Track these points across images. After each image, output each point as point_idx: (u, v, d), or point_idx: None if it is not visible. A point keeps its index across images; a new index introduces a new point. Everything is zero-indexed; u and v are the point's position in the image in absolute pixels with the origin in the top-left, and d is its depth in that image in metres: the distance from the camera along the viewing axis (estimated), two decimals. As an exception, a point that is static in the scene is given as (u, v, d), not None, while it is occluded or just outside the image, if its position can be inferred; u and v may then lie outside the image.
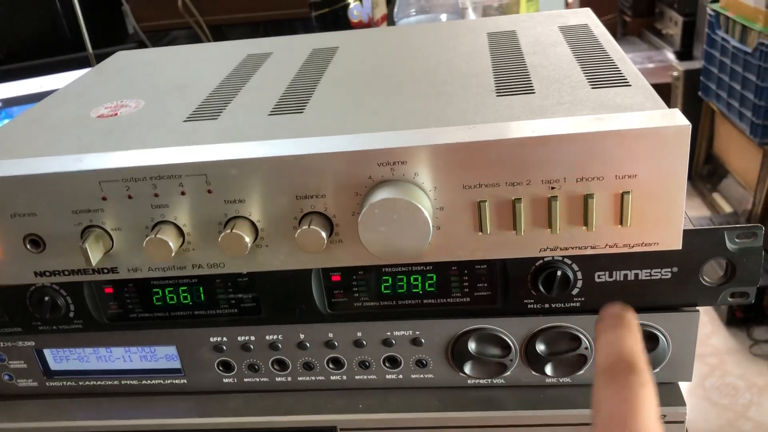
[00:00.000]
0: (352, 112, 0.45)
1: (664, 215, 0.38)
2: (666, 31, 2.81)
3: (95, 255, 0.40)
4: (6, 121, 1.04)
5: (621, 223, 0.38)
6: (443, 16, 0.83)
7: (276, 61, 0.57)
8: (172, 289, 0.46)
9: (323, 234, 0.39)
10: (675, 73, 2.32)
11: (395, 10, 0.83)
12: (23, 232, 0.41)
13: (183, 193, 0.39)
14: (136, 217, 0.40)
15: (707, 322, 1.80)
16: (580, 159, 0.36)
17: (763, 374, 1.66)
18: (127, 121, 0.47)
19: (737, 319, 1.77)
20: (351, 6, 0.84)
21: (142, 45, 1.22)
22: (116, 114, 0.48)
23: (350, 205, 0.39)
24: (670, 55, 2.68)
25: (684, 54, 2.61)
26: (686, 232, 0.39)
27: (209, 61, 0.60)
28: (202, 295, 0.46)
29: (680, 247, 0.38)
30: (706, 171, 2.22)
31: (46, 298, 0.46)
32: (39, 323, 0.48)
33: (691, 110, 2.18)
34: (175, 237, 0.40)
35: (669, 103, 2.26)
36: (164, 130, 0.45)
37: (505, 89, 0.44)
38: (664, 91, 2.29)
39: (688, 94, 2.24)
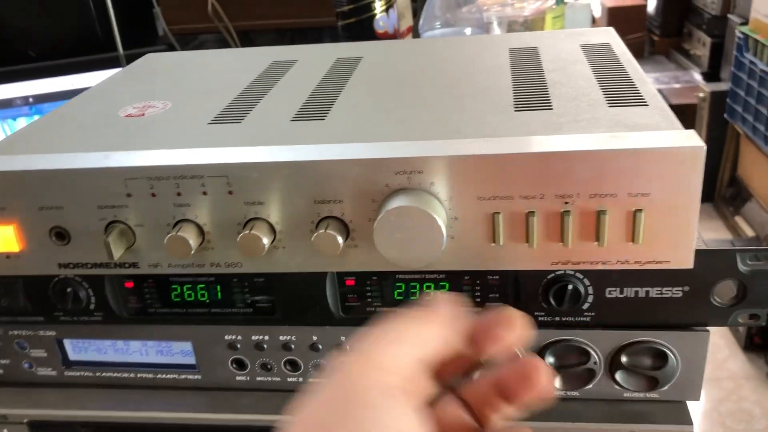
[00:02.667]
0: (372, 121, 0.46)
1: (676, 234, 0.38)
2: (693, 52, 2.79)
3: (117, 249, 0.41)
4: (36, 117, 1.07)
5: (633, 240, 0.38)
6: (468, 30, 0.84)
7: (300, 69, 0.58)
8: (190, 286, 0.47)
9: (339, 238, 0.39)
10: (701, 95, 2.30)
11: (420, 22, 0.84)
12: (49, 224, 0.42)
13: (205, 193, 0.40)
14: (158, 214, 0.41)
15: (724, 346, 1.79)
16: (594, 176, 0.37)
17: (779, 401, 1.64)
18: (153, 122, 0.48)
19: (755, 345, 1.75)
20: (377, 17, 0.85)
21: (171, 47, 1.25)
22: (143, 114, 0.50)
23: (367, 211, 0.40)
24: (697, 76, 2.67)
25: (711, 75, 2.59)
26: (698, 252, 0.39)
27: (236, 66, 0.61)
28: (219, 293, 0.47)
29: (692, 266, 0.39)
30: (729, 194, 2.20)
31: (69, 290, 0.48)
32: (60, 314, 0.49)
33: (717, 132, 2.16)
34: (195, 235, 0.41)
35: (694, 124, 2.25)
36: (189, 131, 0.46)
37: (523, 105, 0.45)
38: (689, 112, 2.27)
39: (714, 116, 2.22)
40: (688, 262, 0.39)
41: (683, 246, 0.38)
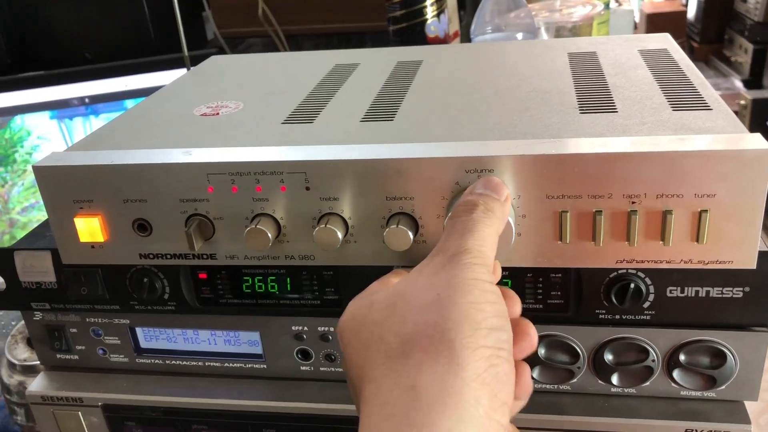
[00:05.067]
0: (439, 122, 0.47)
1: (740, 235, 0.39)
2: (735, 59, 2.76)
3: (198, 241, 0.44)
4: (92, 117, 1.11)
5: (697, 240, 0.39)
6: (519, 35, 0.85)
7: (363, 72, 0.60)
8: (261, 278, 0.49)
9: (410, 234, 0.41)
10: (742, 102, 2.28)
11: (472, 27, 0.86)
12: (133, 216, 0.45)
13: (283, 189, 0.42)
14: (238, 208, 0.43)
15: (765, 356, 1.76)
16: (661, 176, 0.38)
17: (821, 413, 1.61)
18: (228, 121, 0.50)
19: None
20: (428, 22, 0.87)
21: (221, 50, 1.28)
22: (218, 113, 0.52)
23: (436, 208, 0.41)
24: (738, 83, 2.63)
25: (752, 82, 2.56)
26: (761, 254, 0.40)
27: (299, 69, 0.63)
28: (288, 285, 0.49)
29: (754, 267, 0.40)
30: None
31: (145, 280, 0.50)
32: (135, 303, 0.52)
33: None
34: (273, 229, 0.43)
35: (735, 131, 2.23)
36: (264, 130, 0.48)
37: (588, 107, 0.46)
38: (730, 119, 2.25)
39: (756, 123, 2.20)
40: (751, 263, 0.40)
41: (747, 247, 0.39)
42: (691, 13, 3.06)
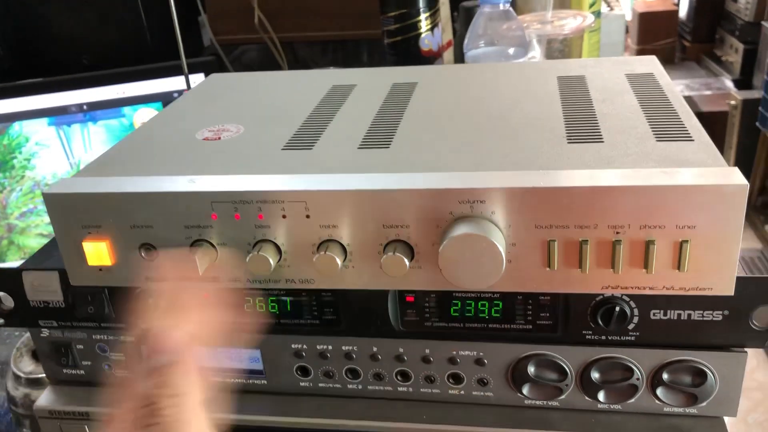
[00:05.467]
0: (433, 150, 0.49)
1: (719, 263, 0.41)
2: (726, 59, 2.78)
3: (203, 265, 0.46)
4: (90, 123, 1.12)
5: (678, 268, 0.41)
6: (511, 50, 0.87)
7: (360, 94, 0.62)
8: (262, 299, 0.51)
9: (406, 260, 0.43)
10: (733, 102, 2.30)
11: (465, 41, 0.87)
12: (140, 241, 0.47)
13: (284, 216, 0.44)
14: (241, 234, 0.45)
15: (752, 355, 1.79)
16: (645, 208, 0.40)
17: (807, 412, 1.65)
18: (229, 146, 0.52)
19: (784, 355, 1.76)
20: (423, 35, 0.89)
21: (217, 57, 1.29)
22: (219, 138, 0.54)
23: (431, 235, 0.43)
24: (729, 83, 2.66)
25: (743, 83, 2.58)
26: (739, 279, 0.42)
27: (298, 90, 0.65)
28: (288, 306, 0.51)
29: (732, 294, 0.42)
30: (760, 202, 2.20)
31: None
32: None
33: (748, 140, 2.16)
34: (274, 254, 0.45)
35: (725, 132, 2.25)
36: (265, 157, 0.50)
37: (575, 137, 0.48)
38: (720, 120, 2.28)
39: (745, 124, 2.22)
40: (729, 290, 0.42)
41: (725, 274, 0.41)
42: (683, 12, 3.08)
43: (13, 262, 1.13)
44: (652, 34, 2.87)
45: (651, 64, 0.62)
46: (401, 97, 0.59)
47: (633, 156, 0.44)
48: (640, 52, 2.64)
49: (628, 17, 2.94)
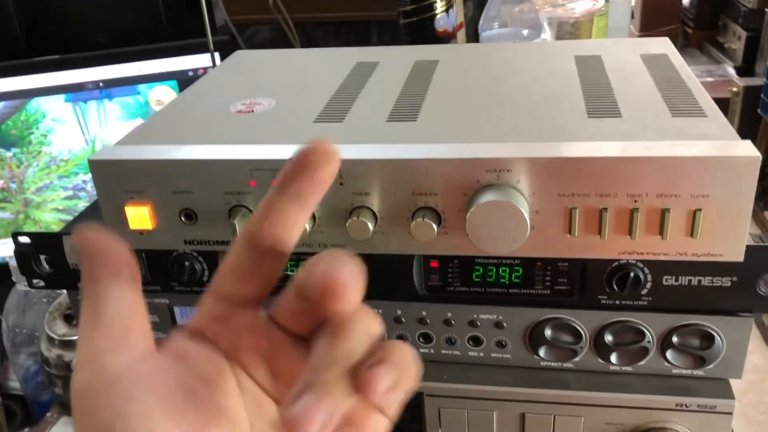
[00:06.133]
0: (459, 122, 0.52)
1: (730, 231, 0.44)
2: (728, 45, 2.79)
3: (240, 230, 0.48)
4: (106, 100, 1.14)
5: (692, 235, 0.44)
6: (525, 31, 0.89)
7: (384, 71, 0.64)
8: (294, 263, 0.54)
9: (434, 226, 0.46)
10: (734, 89, 2.32)
11: (480, 22, 0.90)
12: (180, 206, 0.49)
13: (319, 184, 0.47)
14: (278, 201, 0.48)
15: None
16: (661, 178, 0.43)
17: (802, 392, 1.68)
18: (263, 118, 0.55)
19: (780, 338, 1.79)
20: (438, 16, 0.91)
21: (231, 36, 1.31)
22: (252, 110, 0.56)
23: (458, 203, 0.46)
24: (731, 70, 2.67)
25: (745, 70, 2.60)
26: (748, 248, 0.45)
27: (323, 66, 0.67)
28: (318, 270, 0.54)
29: (742, 260, 0.45)
30: (759, 189, 2.23)
31: (186, 263, 0.54)
32: (175, 284, 0.56)
33: (749, 127, 2.18)
34: (309, 220, 0.47)
35: (727, 117, 2.27)
36: (298, 128, 0.53)
37: (595, 112, 0.50)
38: (722, 106, 2.29)
39: (747, 111, 2.24)
40: (739, 256, 0.45)
41: (736, 242, 0.44)
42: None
43: (31, 236, 1.15)
44: (655, 19, 2.88)
45: (665, 45, 0.64)
46: (424, 74, 0.62)
47: (650, 130, 0.47)
48: (643, 37, 2.64)
49: (633, 2, 2.95)
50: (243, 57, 0.72)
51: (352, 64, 0.66)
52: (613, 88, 0.55)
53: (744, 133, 0.43)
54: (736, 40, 2.76)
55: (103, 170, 0.49)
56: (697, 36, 3.12)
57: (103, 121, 1.14)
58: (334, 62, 0.67)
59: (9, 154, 1.13)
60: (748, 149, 0.42)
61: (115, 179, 0.49)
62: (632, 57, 0.61)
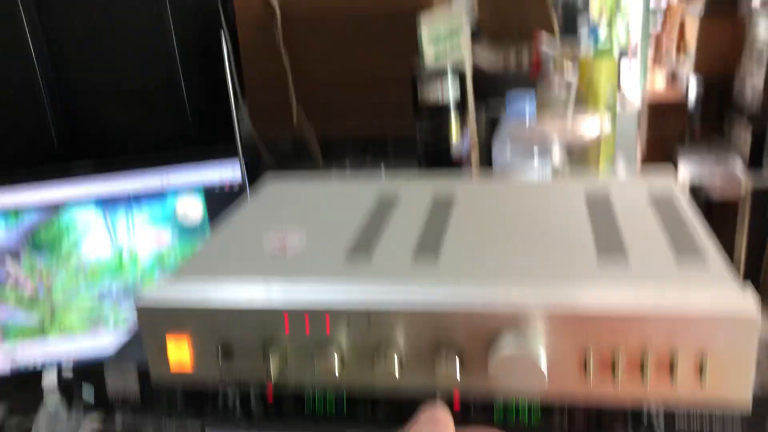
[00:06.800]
0: (478, 263, 0.56)
1: (734, 382, 0.47)
2: (734, 139, 2.85)
3: (275, 371, 0.52)
4: (134, 208, 1.19)
5: (700, 386, 0.47)
6: (535, 156, 0.95)
7: (405, 206, 0.69)
8: (321, 401, 0.57)
9: (457, 369, 0.49)
10: (743, 192, 2.36)
11: (493, 149, 0.95)
12: (218, 346, 0.53)
13: (348, 324, 0.50)
14: (309, 343, 0.51)
15: None
16: (668, 331, 0.46)
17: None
18: (296, 255, 0.59)
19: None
20: (453, 144, 0.97)
21: (255, 149, 1.38)
22: (285, 246, 0.60)
23: (480, 349, 0.49)
24: (739, 165, 2.72)
25: (753, 163, 2.64)
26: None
27: (348, 200, 0.72)
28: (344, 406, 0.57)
29: (749, 410, 0.47)
30: (772, 290, 2.23)
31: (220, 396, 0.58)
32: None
33: (759, 228, 2.21)
34: (339, 361, 0.51)
35: (736, 219, 2.29)
36: (331, 268, 0.57)
37: (605, 257, 0.54)
38: (731, 207, 2.33)
39: (756, 213, 2.27)
40: (746, 406, 0.47)
41: (742, 392, 0.47)
42: (691, 103, 3.18)
43: (55, 338, 1.19)
44: (661, 123, 2.96)
45: (669, 183, 0.69)
46: (443, 212, 0.66)
47: (656, 279, 0.51)
48: (651, 141, 2.72)
49: (638, 104, 3.04)
50: (273, 188, 0.77)
51: (374, 197, 0.71)
52: (622, 231, 0.59)
53: (754, 234, 0.46)
54: (743, 133, 2.81)
55: (148, 315, 0.53)
56: (705, 129, 3.17)
57: (131, 229, 1.19)
58: (357, 196, 0.72)
59: (40, 260, 1.18)
60: (749, 304, 0.46)
61: (159, 323, 0.53)
62: (639, 196, 0.66)
